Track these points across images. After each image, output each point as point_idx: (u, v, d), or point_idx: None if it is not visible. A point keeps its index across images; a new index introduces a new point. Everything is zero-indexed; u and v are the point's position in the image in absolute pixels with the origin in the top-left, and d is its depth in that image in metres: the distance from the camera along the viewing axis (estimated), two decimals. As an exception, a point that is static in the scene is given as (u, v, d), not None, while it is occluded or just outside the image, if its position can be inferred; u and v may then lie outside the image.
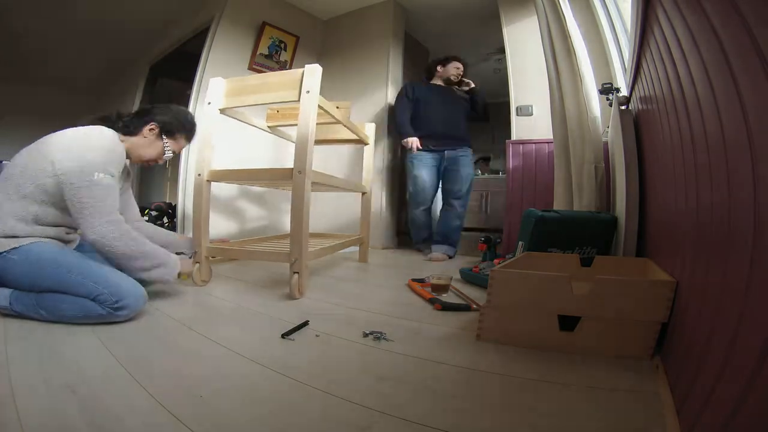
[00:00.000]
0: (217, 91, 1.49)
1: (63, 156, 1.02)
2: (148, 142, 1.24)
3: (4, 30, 3.12)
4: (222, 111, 1.52)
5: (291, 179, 1.34)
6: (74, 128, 1.10)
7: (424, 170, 2.53)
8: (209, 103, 1.49)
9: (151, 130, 1.24)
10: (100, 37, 3.49)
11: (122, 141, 1.17)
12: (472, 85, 2.66)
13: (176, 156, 1.39)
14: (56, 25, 3.19)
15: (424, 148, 2.52)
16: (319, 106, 1.42)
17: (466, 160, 2.56)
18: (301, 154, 1.32)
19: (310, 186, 1.34)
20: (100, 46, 3.64)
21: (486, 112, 2.71)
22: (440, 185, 2.65)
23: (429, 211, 2.67)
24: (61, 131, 1.09)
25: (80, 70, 4.06)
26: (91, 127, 1.12)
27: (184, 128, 1.32)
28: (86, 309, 0.96)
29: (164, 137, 1.27)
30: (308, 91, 1.33)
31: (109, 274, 1.02)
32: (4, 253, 0.97)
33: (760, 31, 0.37)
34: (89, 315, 0.96)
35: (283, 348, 0.88)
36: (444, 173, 2.58)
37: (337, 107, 1.93)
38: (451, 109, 2.58)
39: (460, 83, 2.67)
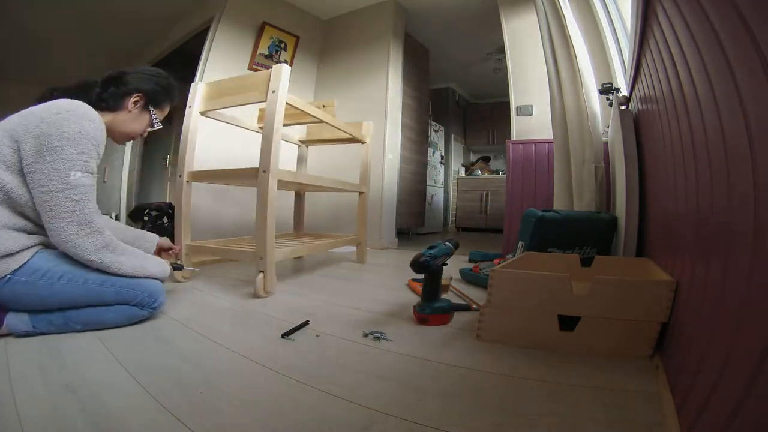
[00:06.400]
0: (197, 94, 1.53)
1: (30, 147, 0.84)
2: (134, 117, 1.07)
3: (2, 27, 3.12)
4: (203, 113, 1.56)
5: (257, 179, 1.33)
6: (46, 105, 0.90)
7: None
8: (189, 107, 1.53)
9: (135, 102, 1.06)
10: (99, 36, 3.49)
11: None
12: None
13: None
14: (54, 24, 3.19)
15: None
16: (292, 105, 1.42)
17: None
18: (266, 153, 1.32)
19: (275, 185, 1.34)
20: (100, 45, 3.64)
21: None
22: None
23: None
24: (27, 111, 0.90)
25: (78, 70, 4.06)
26: (65, 103, 0.90)
27: (170, 95, 1.15)
28: (130, 315, 0.97)
29: (151, 108, 1.10)
30: (274, 91, 1.33)
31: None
32: (7, 278, 0.83)
33: (760, 31, 0.37)
34: (132, 318, 0.98)
35: (283, 348, 0.88)
36: None
37: (324, 106, 1.93)
38: None
39: None
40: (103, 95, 1.03)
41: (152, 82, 1.10)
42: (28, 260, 0.86)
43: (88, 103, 0.96)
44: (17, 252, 0.84)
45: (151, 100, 1.10)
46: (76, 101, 0.93)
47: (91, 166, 0.90)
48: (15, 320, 0.86)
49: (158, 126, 1.14)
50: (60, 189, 0.85)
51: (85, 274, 0.92)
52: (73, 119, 0.88)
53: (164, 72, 1.16)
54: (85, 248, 0.89)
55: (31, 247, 0.88)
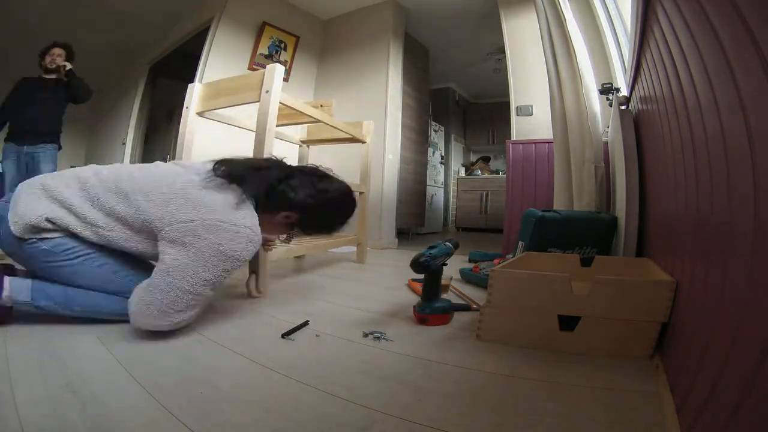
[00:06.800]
0: (193, 95, 1.54)
1: (172, 234, 0.86)
2: (274, 227, 1.04)
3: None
4: (200, 114, 1.57)
5: None
6: (208, 200, 0.88)
7: (8, 164, 2.43)
8: (186, 108, 1.55)
9: (287, 217, 1.02)
10: (99, 36, 3.49)
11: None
12: (68, 68, 2.40)
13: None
14: (55, 23, 3.19)
15: (13, 140, 2.42)
16: (286, 105, 1.42)
17: (43, 156, 2.42)
18: (259, 153, 1.32)
19: None
20: (100, 45, 3.64)
21: (78, 92, 2.47)
22: None
23: None
24: (173, 182, 0.91)
25: (78, 70, 4.06)
26: (239, 215, 0.89)
27: (328, 229, 1.10)
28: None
29: (295, 230, 1.07)
30: (267, 91, 1.33)
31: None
32: (32, 240, 0.86)
33: (760, 31, 0.37)
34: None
35: (283, 348, 0.88)
36: (27, 170, 2.44)
37: (321, 105, 1.92)
38: (40, 105, 2.43)
39: (58, 70, 2.42)
40: (271, 194, 0.99)
41: (317, 214, 1.03)
42: (59, 236, 0.89)
43: (255, 196, 0.95)
44: (51, 231, 0.88)
45: (299, 224, 1.05)
46: (249, 214, 0.90)
47: (222, 282, 0.91)
48: (17, 284, 0.88)
49: (282, 240, 1.14)
50: (187, 281, 0.85)
51: (103, 259, 0.93)
52: (239, 240, 0.87)
53: (341, 207, 1.09)
54: (153, 321, 0.87)
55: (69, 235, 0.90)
